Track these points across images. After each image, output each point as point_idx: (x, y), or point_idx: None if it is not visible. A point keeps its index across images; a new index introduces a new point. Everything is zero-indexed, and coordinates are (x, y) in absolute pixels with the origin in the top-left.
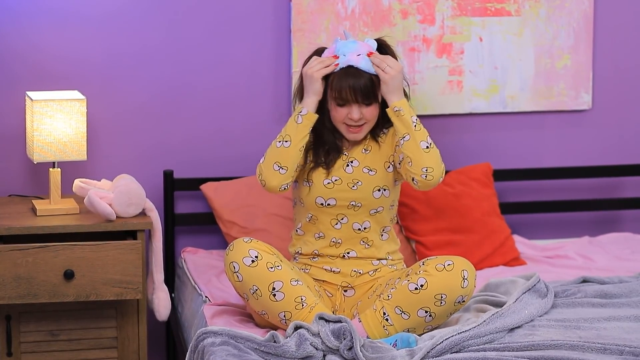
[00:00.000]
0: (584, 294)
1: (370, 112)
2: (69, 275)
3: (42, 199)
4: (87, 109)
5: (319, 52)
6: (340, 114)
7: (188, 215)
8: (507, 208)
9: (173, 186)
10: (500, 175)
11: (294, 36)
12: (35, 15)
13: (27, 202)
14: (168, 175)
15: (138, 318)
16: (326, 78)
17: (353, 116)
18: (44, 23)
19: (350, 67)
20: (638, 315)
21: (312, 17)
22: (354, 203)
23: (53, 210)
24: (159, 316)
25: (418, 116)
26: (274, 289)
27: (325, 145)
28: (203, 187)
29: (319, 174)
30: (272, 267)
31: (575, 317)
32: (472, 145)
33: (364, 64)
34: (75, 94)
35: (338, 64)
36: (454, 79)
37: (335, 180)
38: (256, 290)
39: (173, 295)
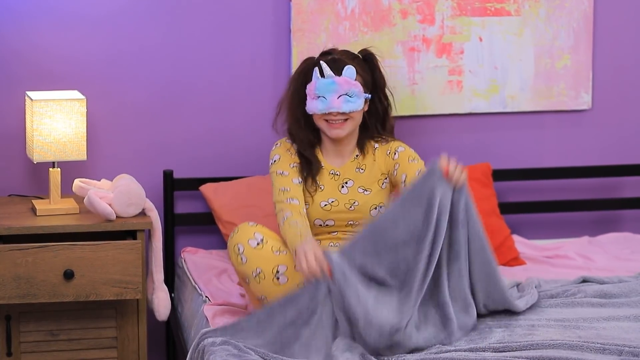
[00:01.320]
0: (584, 294)
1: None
2: (68, 275)
3: (42, 199)
4: (87, 109)
5: (308, 62)
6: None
7: (188, 215)
8: (506, 208)
9: (173, 186)
10: (500, 175)
11: (294, 36)
12: (35, 15)
13: (27, 202)
14: (168, 175)
15: (138, 318)
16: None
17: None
18: (44, 23)
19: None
20: (637, 315)
21: (312, 17)
22: (352, 222)
23: (53, 210)
24: (158, 316)
25: (418, 116)
26: (277, 272)
27: (304, 163)
28: (202, 188)
29: (315, 195)
30: (277, 251)
31: (575, 317)
32: (472, 145)
33: (345, 107)
34: (75, 94)
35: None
36: (454, 79)
37: (332, 201)
38: (259, 272)
39: (173, 295)
